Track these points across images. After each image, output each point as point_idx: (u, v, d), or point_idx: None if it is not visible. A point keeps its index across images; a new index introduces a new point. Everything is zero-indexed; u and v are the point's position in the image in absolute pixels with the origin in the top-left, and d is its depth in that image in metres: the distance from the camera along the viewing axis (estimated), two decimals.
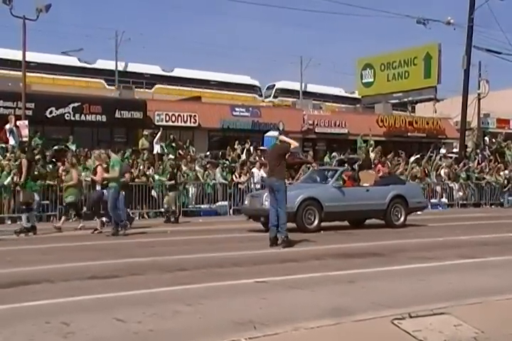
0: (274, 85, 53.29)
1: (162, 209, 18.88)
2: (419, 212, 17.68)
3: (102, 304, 6.08)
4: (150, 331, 5.00)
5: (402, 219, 15.06)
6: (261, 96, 51.22)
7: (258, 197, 14.33)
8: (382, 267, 8.33)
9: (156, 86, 43.88)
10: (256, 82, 51.56)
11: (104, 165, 14.05)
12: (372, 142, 27.10)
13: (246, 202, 15.12)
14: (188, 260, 9.23)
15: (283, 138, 11.77)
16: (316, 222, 13.65)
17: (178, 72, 46.61)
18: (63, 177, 15.65)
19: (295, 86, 52.16)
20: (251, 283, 7.12)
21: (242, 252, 10.25)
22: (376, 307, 5.63)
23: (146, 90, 41.40)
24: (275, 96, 51.46)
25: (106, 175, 13.61)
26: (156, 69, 45.52)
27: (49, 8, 21.91)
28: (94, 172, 14.51)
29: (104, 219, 14.39)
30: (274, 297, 6.32)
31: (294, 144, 11.59)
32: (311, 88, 52.39)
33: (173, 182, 17.28)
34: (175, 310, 5.69)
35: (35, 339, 4.83)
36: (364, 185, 15.10)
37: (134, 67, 44.12)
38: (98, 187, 14.39)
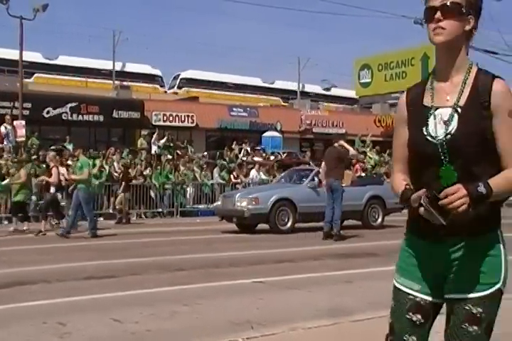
0: (179, 75, 49.32)
1: (160, 209, 18.89)
2: None
3: (99, 304, 6.06)
4: (147, 331, 4.98)
5: (379, 220, 14.81)
6: (163, 86, 47.78)
7: (230, 198, 14.16)
8: (378, 267, 8.30)
9: (36, 75, 39.51)
10: (157, 72, 48.11)
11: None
12: (369, 142, 27.12)
13: (219, 203, 14.96)
14: (186, 260, 9.22)
15: (343, 143, 12.22)
16: (289, 223, 13.36)
17: (63, 60, 42.10)
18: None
19: (204, 75, 48.61)
20: (248, 283, 7.11)
21: (240, 252, 10.24)
22: (374, 307, 5.61)
23: (26, 80, 35.32)
24: (180, 87, 47.77)
25: (74, 176, 13.30)
26: (36, 57, 39.86)
27: (46, 8, 21.90)
28: (49, 174, 14.11)
29: (53, 221, 14.25)
30: (271, 297, 6.31)
31: (352, 151, 12.39)
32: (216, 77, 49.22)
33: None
34: (172, 310, 5.68)
35: (31, 340, 4.81)
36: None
37: (6, 54, 36.45)
38: (52, 189, 14.02)
